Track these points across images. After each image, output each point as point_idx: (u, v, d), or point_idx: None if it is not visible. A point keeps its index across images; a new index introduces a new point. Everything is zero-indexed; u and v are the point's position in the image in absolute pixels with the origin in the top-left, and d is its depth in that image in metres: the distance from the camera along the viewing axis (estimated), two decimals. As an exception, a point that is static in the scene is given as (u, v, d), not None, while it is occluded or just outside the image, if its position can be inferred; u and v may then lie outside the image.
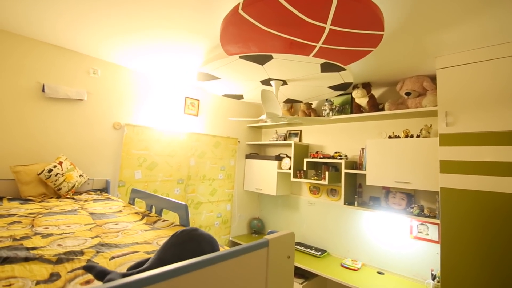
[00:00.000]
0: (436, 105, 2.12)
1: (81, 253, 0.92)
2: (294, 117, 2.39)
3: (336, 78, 2.30)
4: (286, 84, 2.52)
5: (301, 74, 2.24)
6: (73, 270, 0.80)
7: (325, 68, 2.06)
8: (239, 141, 3.73)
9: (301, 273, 2.80)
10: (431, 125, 2.39)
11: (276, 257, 0.79)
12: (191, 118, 3.20)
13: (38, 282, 0.72)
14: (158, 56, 2.39)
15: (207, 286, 0.59)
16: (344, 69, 2.08)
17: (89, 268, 0.66)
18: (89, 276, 0.76)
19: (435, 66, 2.06)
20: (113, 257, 0.91)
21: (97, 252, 0.95)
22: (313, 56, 1.84)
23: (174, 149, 2.97)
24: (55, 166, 1.98)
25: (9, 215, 1.36)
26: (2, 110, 1.99)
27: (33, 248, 0.94)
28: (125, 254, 0.94)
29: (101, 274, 0.63)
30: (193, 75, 2.82)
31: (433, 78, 2.36)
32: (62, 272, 0.79)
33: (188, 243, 0.69)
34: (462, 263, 1.80)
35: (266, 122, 3.70)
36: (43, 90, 2.15)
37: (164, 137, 2.89)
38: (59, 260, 0.85)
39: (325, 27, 1.51)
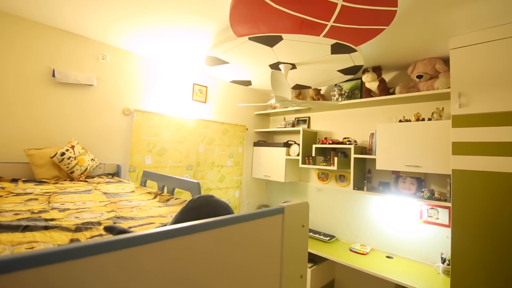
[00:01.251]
0: (449, 87, 2.07)
1: (99, 223, 0.94)
2: (303, 101, 2.37)
3: (346, 60, 2.26)
4: (295, 68, 2.49)
5: (310, 57, 2.21)
6: (92, 237, 0.82)
7: (336, 49, 2.02)
8: (247, 129, 3.73)
9: (309, 258, 2.83)
10: (443, 108, 2.34)
11: (291, 225, 0.79)
12: (200, 105, 3.20)
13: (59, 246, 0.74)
14: (166, 41, 2.38)
15: (223, 245, 0.60)
16: (355, 51, 2.04)
17: (110, 228, 0.67)
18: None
19: (449, 47, 2.01)
20: (130, 227, 0.93)
21: (114, 223, 0.97)
22: (323, 36, 1.80)
23: (183, 135, 2.99)
24: (67, 150, 2.02)
25: (26, 194, 1.40)
26: (15, 95, 2.02)
27: (52, 219, 0.96)
28: (142, 225, 0.96)
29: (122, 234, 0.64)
30: (201, 61, 2.81)
31: (445, 60, 2.29)
32: (81, 238, 0.81)
33: (205, 207, 0.70)
34: (473, 245, 1.78)
35: (274, 109, 3.69)
36: (53, 75, 2.17)
37: (173, 124, 2.91)
38: (78, 229, 0.88)
39: (337, 4, 1.47)
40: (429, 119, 2.34)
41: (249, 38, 1.91)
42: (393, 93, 2.62)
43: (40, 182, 1.80)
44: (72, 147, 2.07)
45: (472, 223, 1.80)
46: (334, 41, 1.87)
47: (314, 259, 2.84)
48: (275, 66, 2.42)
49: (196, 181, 1.42)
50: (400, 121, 2.50)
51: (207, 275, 0.57)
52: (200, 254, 0.55)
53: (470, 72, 1.89)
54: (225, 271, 0.61)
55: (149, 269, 0.47)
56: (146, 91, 2.75)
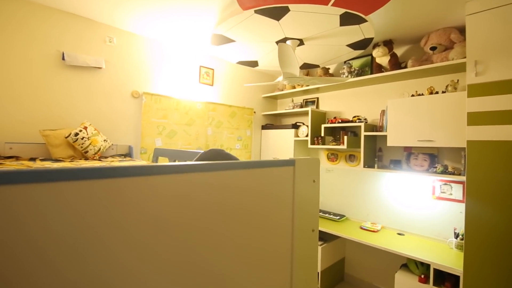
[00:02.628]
0: (465, 57, 2.00)
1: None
2: (312, 78, 2.33)
3: (356, 33, 2.20)
4: (303, 44, 2.44)
5: (318, 30, 2.16)
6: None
7: (345, 20, 1.96)
8: (254, 112, 3.71)
9: (319, 236, 2.84)
10: (458, 80, 2.26)
11: (302, 178, 0.79)
12: (207, 87, 3.20)
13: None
14: (171, 21, 2.36)
15: (236, 188, 0.61)
16: (365, 21, 1.98)
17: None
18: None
19: (465, 12, 1.92)
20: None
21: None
22: (332, 5, 1.75)
23: (191, 118, 3.00)
24: (80, 131, 2.06)
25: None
26: (28, 78, 2.07)
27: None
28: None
29: None
30: (207, 42, 2.78)
31: (461, 30, 2.20)
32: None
33: (217, 157, 0.71)
34: (488, 218, 1.75)
35: (282, 90, 3.65)
36: (63, 58, 2.20)
37: (182, 106, 2.92)
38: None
39: (345, -34, 1.42)
40: (443, 92, 2.27)
41: (255, 11, 1.87)
42: (405, 67, 2.55)
43: (57, 160, 1.86)
44: (85, 128, 2.11)
45: (487, 195, 1.76)
46: (343, 10, 1.81)
47: (324, 237, 2.86)
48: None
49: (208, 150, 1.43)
50: (412, 95, 2.43)
51: (220, 216, 0.58)
52: (213, 193, 0.56)
53: (487, 39, 1.81)
54: (238, 214, 0.62)
55: (167, 197, 0.48)
56: (154, 74, 2.76)
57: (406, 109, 2.36)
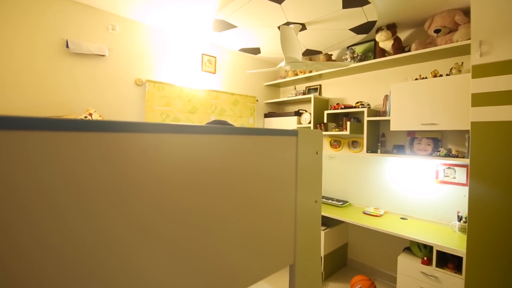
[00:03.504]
0: (469, 39, 1.97)
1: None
2: (315, 62, 2.31)
3: (359, 16, 2.18)
4: (305, 29, 2.42)
5: (321, 13, 2.14)
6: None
7: (347, 2, 1.94)
8: (257, 100, 3.71)
9: (322, 221, 2.88)
10: (462, 63, 2.23)
11: (305, 149, 0.80)
12: (209, 75, 3.20)
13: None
14: (173, 7, 2.34)
15: (241, 152, 0.62)
16: (367, 2, 1.96)
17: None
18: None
19: (470, -8, 1.88)
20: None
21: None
22: (334, -15, 1.73)
23: (194, 105, 3.01)
24: (85, 117, 2.09)
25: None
26: (33, 66, 2.08)
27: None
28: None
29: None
30: (208, 30, 2.76)
31: (465, 12, 2.17)
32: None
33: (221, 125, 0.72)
34: (491, 198, 1.75)
35: (284, 78, 3.63)
36: (67, 46, 2.21)
37: (184, 94, 2.93)
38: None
39: None
40: (447, 75, 2.25)
41: (257, -6, 1.86)
42: (409, 51, 2.52)
43: (63, 146, 1.89)
44: (90, 114, 2.14)
45: (491, 176, 1.76)
46: (345, -9, 1.79)
47: (327, 222, 2.89)
48: (284, 27, 2.36)
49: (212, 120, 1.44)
50: (416, 79, 2.41)
51: (225, 180, 0.59)
52: (217, 156, 0.57)
53: (492, 18, 1.78)
54: (242, 179, 0.63)
55: (169, 157, 0.49)
56: (157, 62, 2.77)
57: (410, 93, 2.34)
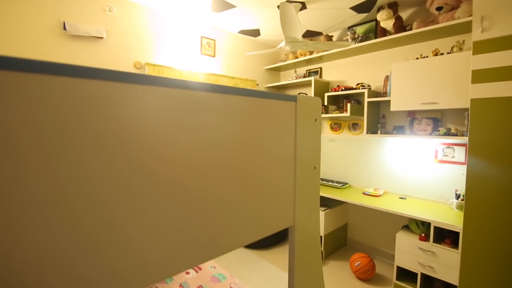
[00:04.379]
0: (471, 15, 1.94)
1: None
2: (315, 42, 2.29)
3: (360, -7, 2.14)
4: (305, 8, 2.38)
5: (321, -9, 2.10)
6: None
7: (348, -22, 1.90)
8: (257, 84, 3.69)
9: (323, 203, 2.92)
10: (463, 41, 2.21)
11: (304, 115, 0.82)
12: (209, 59, 3.17)
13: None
14: (170, -14, 2.31)
15: (240, 113, 0.64)
16: (368, -22, 1.92)
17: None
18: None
19: (474, -34, 1.84)
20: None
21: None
22: (334, -40, 1.70)
23: (194, 89, 3.00)
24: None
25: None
26: (30, 48, 2.07)
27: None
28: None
29: None
30: (207, 11, 2.72)
31: (469, -13, 2.13)
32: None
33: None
34: (488, 174, 1.77)
35: (285, 61, 3.60)
36: (64, 28, 2.19)
37: (184, 77, 2.92)
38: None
39: None
40: (449, 53, 2.23)
41: (256, -30, 1.82)
42: (410, 30, 2.48)
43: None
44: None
45: (489, 152, 1.78)
46: (346, -34, 1.75)
47: (327, 203, 2.93)
48: (284, 6, 2.33)
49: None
50: (417, 59, 2.39)
51: (223, 140, 0.61)
52: (215, 115, 0.58)
53: (495, -7, 1.75)
54: (241, 140, 0.65)
55: (164, 112, 0.50)
56: (155, 44, 2.74)
57: (410, 73, 2.33)
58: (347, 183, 3.11)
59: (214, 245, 0.60)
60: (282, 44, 2.28)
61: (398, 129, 2.68)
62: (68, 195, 0.38)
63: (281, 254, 2.98)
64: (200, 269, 1.86)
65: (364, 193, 2.78)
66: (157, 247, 0.49)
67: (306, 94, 3.39)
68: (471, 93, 1.83)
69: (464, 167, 2.23)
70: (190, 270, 1.82)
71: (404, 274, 2.27)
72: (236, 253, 2.98)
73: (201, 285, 1.66)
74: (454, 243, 2.01)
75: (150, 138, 0.47)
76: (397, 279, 2.27)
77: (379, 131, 2.70)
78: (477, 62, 1.80)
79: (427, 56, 2.34)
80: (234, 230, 0.64)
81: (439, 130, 2.32)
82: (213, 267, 1.89)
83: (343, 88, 2.91)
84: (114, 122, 0.43)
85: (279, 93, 0.72)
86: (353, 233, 3.14)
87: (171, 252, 0.51)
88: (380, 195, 2.70)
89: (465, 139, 2.12)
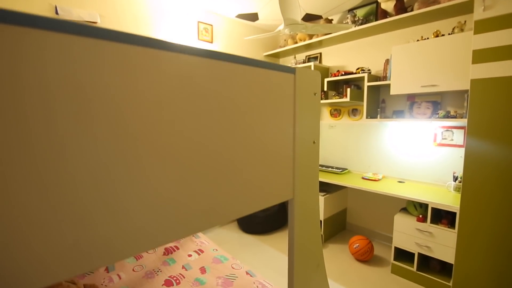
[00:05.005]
0: (474, -6, 1.90)
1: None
2: (315, 24, 2.25)
3: (360, -28, 2.09)
4: (304, -11, 2.33)
5: (320, -30, 2.05)
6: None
7: (348, -44, 1.86)
8: (256, 70, 3.65)
9: (322, 188, 2.95)
10: (465, 21, 2.18)
11: (303, 89, 0.81)
12: (206, 45, 3.13)
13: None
14: (166, -33, 2.25)
15: (240, 81, 0.63)
16: (369, -44, 1.87)
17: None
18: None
19: None
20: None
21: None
22: None
23: (192, 75, 2.97)
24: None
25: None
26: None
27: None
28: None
29: None
30: (204, -7, 2.67)
31: (472, -34, 2.08)
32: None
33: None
34: (487, 154, 1.78)
35: (284, 46, 3.55)
36: (56, 13, 2.15)
37: (181, 63, 2.88)
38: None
39: None
40: (450, 34, 2.20)
41: None
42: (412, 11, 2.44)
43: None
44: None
45: (488, 133, 1.78)
46: None
47: (326, 189, 2.96)
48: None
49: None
50: (418, 41, 2.36)
51: (225, 108, 0.61)
52: (217, 81, 0.58)
53: (498, -30, 1.71)
54: (241, 109, 0.64)
55: (171, 76, 0.50)
56: (151, 30, 2.70)
57: (411, 55, 2.31)
58: (346, 169, 3.13)
59: (214, 214, 0.61)
60: (281, 27, 2.24)
61: (398, 114, 2.68)
62: (68, 152, 0.38)
63: (281, 238, 3.02)
64: (202, 251, 1.89)
65: (363, 178, 2.80)
66: (154, 213, 0.49)
67: (305, 79, 3.36)
68: (471, 73, 1.82)
69: (462, 150, 2.23)
70: (192, 253, 1.85)
71: (402, 255, 2.32)
72: (237, 238, 3.03)
73: (203, 266, 1.69)
74: (451, 223, 2.04)
75: (151, 102, 0.47)
76: (395, 259, 2.31)
77: (378, 116, 2.69)
78: (478, 41, 1.78)
79: (427, 38, 2.31)
80: (233, 199, 0.65)
81: (438, 113, 2.31)
82: (215, 250, 1.92)
83: (343, 73, 2.88)
84: (121, 85, 0.43)
85: (277, 63, 0.71)
86: (352, 217, 3.18)
87: (170, 218, 0.52)
88: (379, 180, 2.72)
89: (464, 121, 2.12)
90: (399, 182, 2.66)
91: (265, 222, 3.12)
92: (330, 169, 3.14)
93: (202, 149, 0.57)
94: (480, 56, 1.77)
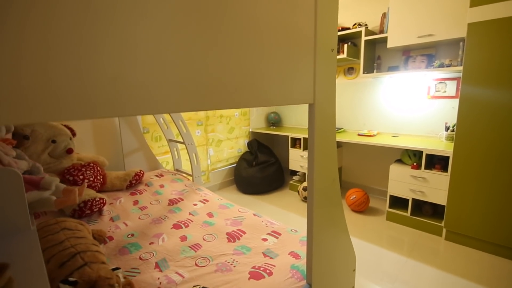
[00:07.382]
0: None
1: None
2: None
3: None
4: None
5: None
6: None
7: None
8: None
9: (319, 146, 3.00)
10: (463, -32, 2.17)
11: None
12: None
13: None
14: None
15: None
16: None
17: None
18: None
19: None
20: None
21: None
22: None
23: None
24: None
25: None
26: None
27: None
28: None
29: None
30: None
31: None
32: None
33: None
34: (481, 101, 1.84)
35: None
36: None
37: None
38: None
39: None
40: (447, -18, 2.19)
41: None
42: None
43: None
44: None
45: (483, 77, 1.83)
46: None
47: (324, 147, 3.01)
48: None
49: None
50: (415, -9, 2.34)
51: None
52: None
53: None
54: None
55: None
56: None
57: (409, 4, 2.29)
58: (341, 128, 3.19)
59: (237, 95, 0.61)
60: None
61: (393, 69, 2.71)
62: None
63: (280, 197, 3.11)
64: (207, 200, 1.92)
65: (359, 135, 2.87)
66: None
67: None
68: (468, 17, 1.84)
69: (455, 101, 2.32)
70: (198, 202, 1.88)
71: (396, 203, 2.44)
72: (237, 198, 3.09)
73: (210, 212, 1.73)
74: (443, 168, 2.15)
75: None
76: (390, 207, 2.44)
77: (374, 71, 2.72)
78: (477, -17, 1.79)
79: (425, -13, 2.30)
80: (257, 87, 0.66)
81: (433, 65, 2.36)
82: (219, 199, 1.96)
83: (340, 29, 2.85)
84: None
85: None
86: (347, 175, 3.29)
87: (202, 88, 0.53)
88: (374, 135, 2.79)
89: (459, 70, 2.17)
90: (393, 136, 2.74)
91: (263, 182, 3.19)
92: (326, 129, 3.18)
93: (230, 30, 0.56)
94: (478, -3, 1.79)
